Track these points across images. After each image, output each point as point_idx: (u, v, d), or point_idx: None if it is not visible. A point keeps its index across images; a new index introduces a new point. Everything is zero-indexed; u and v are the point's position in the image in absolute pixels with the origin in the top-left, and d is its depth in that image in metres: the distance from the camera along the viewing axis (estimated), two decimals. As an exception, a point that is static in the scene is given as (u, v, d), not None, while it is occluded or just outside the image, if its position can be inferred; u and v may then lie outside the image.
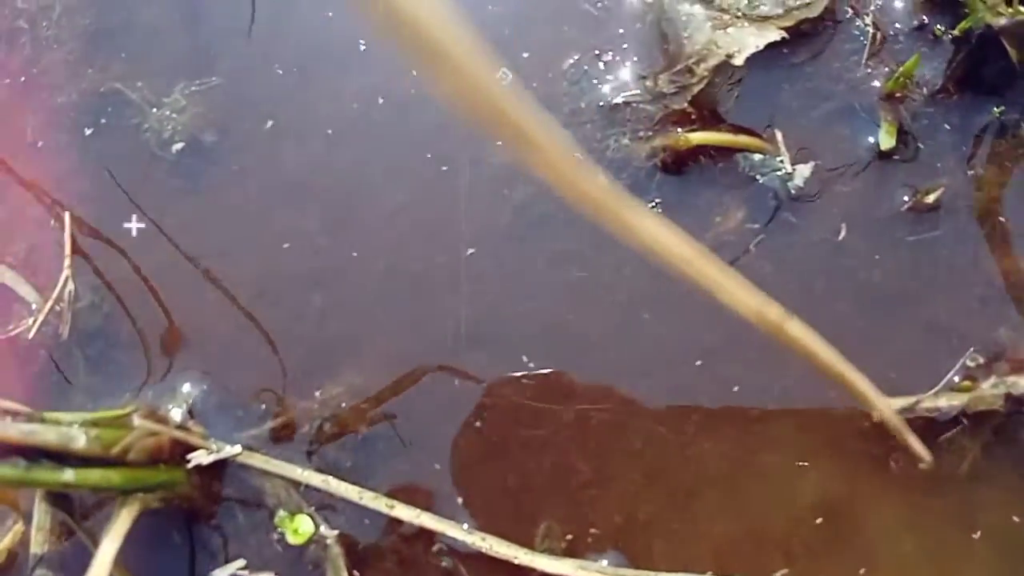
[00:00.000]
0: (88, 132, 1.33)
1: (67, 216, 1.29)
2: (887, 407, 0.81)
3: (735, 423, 1.15)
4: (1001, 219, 1.18)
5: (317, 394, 1.18)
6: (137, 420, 1.08)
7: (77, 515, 1.08)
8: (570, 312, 1.19)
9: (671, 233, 0.55)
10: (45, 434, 0.93)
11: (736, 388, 1.16)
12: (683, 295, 1.17)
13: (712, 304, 1.07)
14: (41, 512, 1.12)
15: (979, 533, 1.11)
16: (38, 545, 1.12)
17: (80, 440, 0.95)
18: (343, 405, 1.18)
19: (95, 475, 0.96)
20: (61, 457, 0.95)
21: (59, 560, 1.13)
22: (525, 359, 1.18)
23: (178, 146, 1.29)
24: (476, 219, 1.23)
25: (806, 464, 1.13)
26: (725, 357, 1.17)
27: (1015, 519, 1.11)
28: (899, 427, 0.94)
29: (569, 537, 1.11)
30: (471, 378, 1.18)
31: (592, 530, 1.13)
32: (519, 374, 1.17)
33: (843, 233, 1.18)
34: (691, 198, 1.21)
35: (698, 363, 1.17)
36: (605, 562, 1.10)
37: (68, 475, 0.93)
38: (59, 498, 1.03)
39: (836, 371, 0.76)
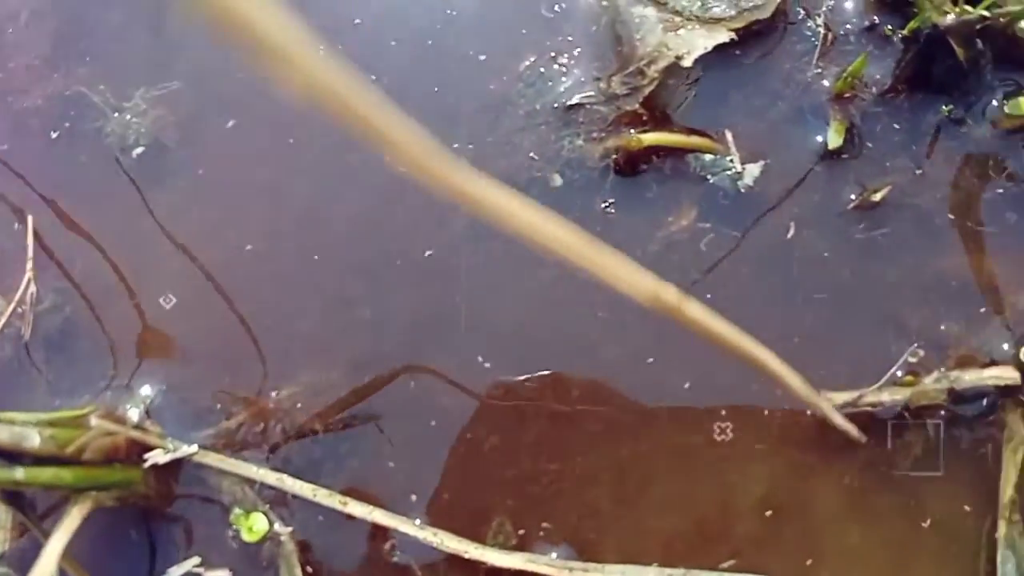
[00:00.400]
0: (54, 135, 1.37)
1: (30, 219, 1.34)
2: (802, 386, 0.84)
3: (685, 420, 1.19)
4: (950, 216, 1.22)
5: (274, 394, 1.22)
6: (94, 420, 1.13)
7: (34, 514, 1.12)
8: (524, 313, 1.23)
9: (545, 217, 0.58)
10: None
11: (687, 385, 1.19)
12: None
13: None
14: (1, 511, 1.16)
15: (928, 522, 1.14)
16: (-1, 544, 1.16)
17: (34, 439, 0.99)
18: (299, 405, 1.21)
19: (46, 473, 1.00)
20: (14, 456, 0.99)
21: (19, 558, 1.17)
22: (480, 359, 1.21)
23: (139, 150, 1.33)
24: (434, 220, 1.27)
25: (754, 459, 1.16)
26: (677, 355, 1.20)
27: (967, 508, 1.15)
28: (818, 404, 0.98)
29: (521, 532, 1.15)
30: (426, 378, 1.22)
31: (544, 524, 1.17)
32: (473, 374, 1.21)
33: (792, 231, 1.21)
34: (644, 198, 1.25)
35: (650, 360, 1.20)
36: (555, 555, 1.14)
37: (18, 473, 0.97)
38: (12, 496, 1.07)
39: (744, 351, 0.80)
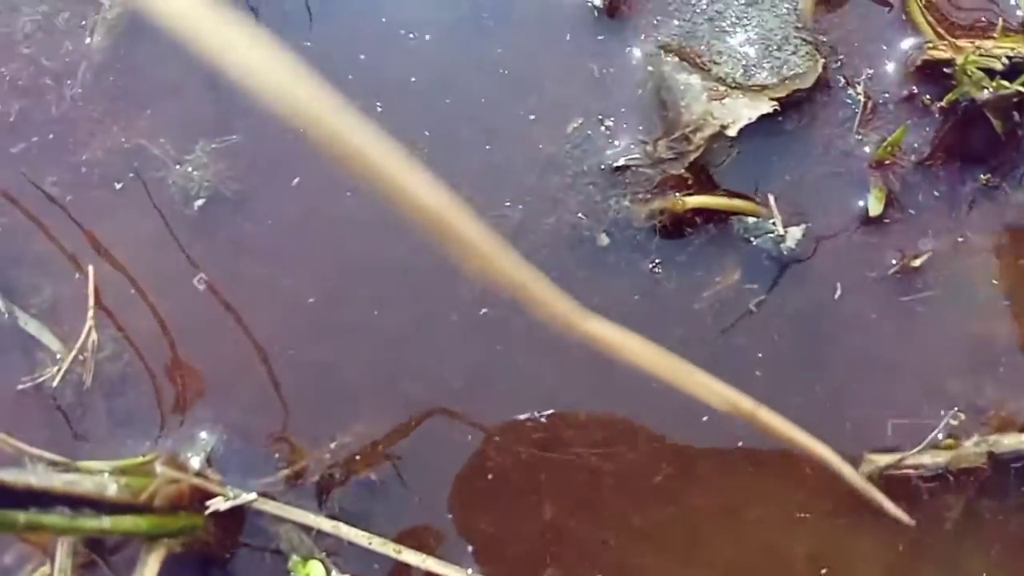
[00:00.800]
0: (118, 186, 1.45)
1: (91, 268, 1.42)
2: (857, 478, 0.93)
3: (738, 477, 1.27)
4: (994, 281, 1.30)
5: (329, 443, 1.31)
6: (159, 467, 1.21)
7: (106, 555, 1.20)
8: (581, 370, 1.31)
9: (633, 339, 0.68)
10: (83, 483, 1.05)
11: (740, 443, 1.27)
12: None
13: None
14: (63, 555, 1.24)
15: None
16: (59, 587, 1.24)
17: (112, 488, 1.08)
18: (354, 454, 1.30)
19: (127, 522, 1.08)
20: (94, 504, 1.07)
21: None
22: (537, 414, 1.30)
23: (200, 201, 1.42)
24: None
25: (802, 519, 1.24)
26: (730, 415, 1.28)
27: (1008, 571, 1.23)
28: (872, 494, 1.06)
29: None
30: (479, 429, 1.30)
31: (595, 576, 1.25)
32: (527, 426, 1.29)
33: (836, 293, 1.30)
34: (689, 259, 1.33)
35: (704, 419, 1.28)
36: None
37: (105, 522, 1.05)
38: (94, 543, 1.15)
39: (811, 449, 0.89)
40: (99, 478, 1.07)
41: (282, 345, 1.36)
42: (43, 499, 1.01)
